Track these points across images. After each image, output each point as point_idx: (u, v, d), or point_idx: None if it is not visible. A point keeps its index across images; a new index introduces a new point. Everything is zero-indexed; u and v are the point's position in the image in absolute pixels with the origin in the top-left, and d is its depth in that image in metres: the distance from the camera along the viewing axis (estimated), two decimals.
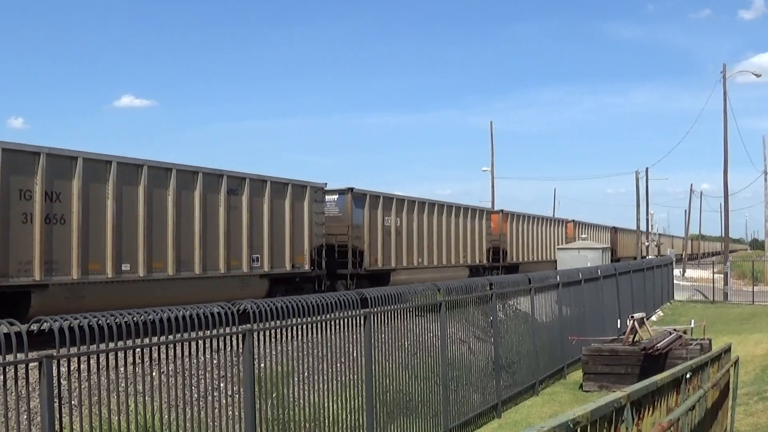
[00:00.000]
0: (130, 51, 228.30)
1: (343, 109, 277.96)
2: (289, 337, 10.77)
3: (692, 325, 23.64)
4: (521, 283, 20.37)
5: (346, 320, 12.01)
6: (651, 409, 6.52)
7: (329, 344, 11.62)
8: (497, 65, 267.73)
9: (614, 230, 77.13)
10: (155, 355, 8.73)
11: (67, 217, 18.35)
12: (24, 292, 17.52)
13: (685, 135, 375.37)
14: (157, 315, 8.70)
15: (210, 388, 9.55)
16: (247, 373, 9.67)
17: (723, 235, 65.19)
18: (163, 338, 8.70)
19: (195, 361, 9.19)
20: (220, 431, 9.54)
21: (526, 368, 19.52)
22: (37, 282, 17.57)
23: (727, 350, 12.81)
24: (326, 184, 29.24)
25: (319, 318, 11.31)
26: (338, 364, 11.80)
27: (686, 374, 8.33)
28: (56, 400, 7.35)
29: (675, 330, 22.35)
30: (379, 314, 12.83)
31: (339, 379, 11.83)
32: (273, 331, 10.38)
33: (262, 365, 10.20)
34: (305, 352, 11.09)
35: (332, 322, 11.67)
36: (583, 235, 60.44)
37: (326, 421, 11.41)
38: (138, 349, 8.49)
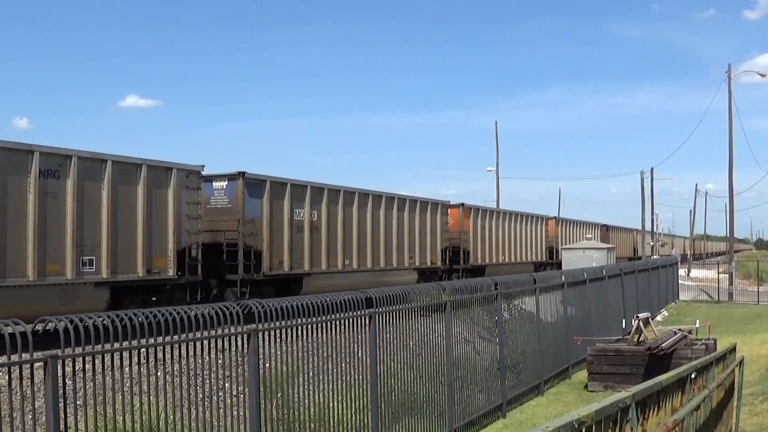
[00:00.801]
0: (134, 51, 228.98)
1: (347, 109, 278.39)
2: (295, 337, 10.77)
3: (697, 325, 23.63)
4: (526, 283, 20.35)
5: (351, 320, 12.01)
6: (656, 409, 6.52)
7: (334, 344, 11.62)
8: (502, 65, 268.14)
9: (605, 228, 72.77)
10: (160, 355, 8.73)
11: None
12: None
13: (690, 135, 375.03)
14: (162, 315, 8.70)
15: (215, 388, 9.56)
16: (252, 373, 9.67)
17: (728, 234, 65.07)
18: (168, 338, 8.70)
19: (200, 361, 9.19)
20: (225, 431, 9.54)
21: (531, 368, 19.50)
22: None
23: (732, 350, 12.79)
24: (203, 166, 23.22)
25: (324, 318, 11.31)
26: (343, 364, 11.80)
27: (691, 374, 8.33)
28: (61, 400, 7.36)
29: (680, 330, 22.33)
30: (384, 314, 12.83)
31: (344, 379, 11.83)
32: (278, 331, 10.38)
33: (267, 365, 10.20)
34: (310, 352, 11.10)
35: (337, 322, 11.67)
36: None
37: (331, 421, 11.41)
38: (143, 349, 8.49)
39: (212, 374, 9.59)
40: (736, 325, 32.99)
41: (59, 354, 7.39)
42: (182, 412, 8.88)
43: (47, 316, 7.81)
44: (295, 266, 26.89)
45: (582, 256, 45.76)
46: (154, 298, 21.07)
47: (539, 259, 53.21)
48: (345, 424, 11.67)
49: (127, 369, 8.26)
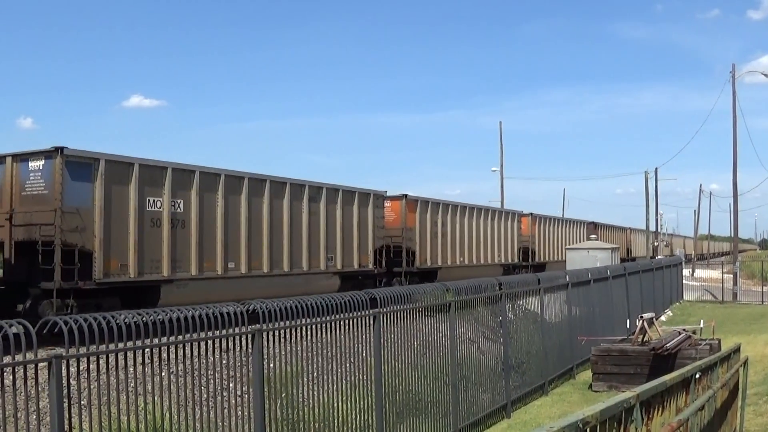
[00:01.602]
0: (139, 51, 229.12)
1: (351, 109, 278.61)
2: (299, 338, 10.78)
3: (701, 325, 23.59)
4: (531, 283, 20.35)
5: (355, 320, 12.02)
6: (660, 409, 6.51)
7: (339, 344, 11.63)
8: (506, 66, 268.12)
9: (593, 226, 66.87)
10: (165, 355, 8.74)
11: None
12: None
13: (694, 135, 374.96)
14: (166, 315, 8.71)
15: (219, 388, 9.57)
16: (256, 373, 9.67)
17: (732, 235, 65.02)
18: (172, 338, 8.71)
19: (204, 361, 9.20)
20: (230, 431, 9.55)
21: (535, 368, 19.49)
22: None
23: (737, 350, 12.78)
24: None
25: (328, 318, 11.31)
26: (347, 364, 11.81)
27: (695, 374, 8.32)
28: (65, 400, 7.36)
29: (684, 330, 22.30)
30: (388, 314, 12.84)
31: (348, 379, 11.83)
32: (282, 332, 10.39)
33: (272, 365, 10.20)
34: (315, 352, 11.10)
35: (342, 323, 11.68)
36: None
37: (335, 421, 11.41)
38: (147, 349, 8.50)
39: (216, 374, 9.60)
40: (740, 326, 32.93)
41: (63, 354, 7.40)
42: (186, 412, 8.89)
43: (48, 317, 7.81)
44: (147, 271, 21.11)
45: (586, 257, 45.70)
46: None
47: (510, 260, 47.03)
48: (349, 424, 11.67)
49: (131, 369, 8.27)
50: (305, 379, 10.88)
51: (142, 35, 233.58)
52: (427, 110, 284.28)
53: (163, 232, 21.50)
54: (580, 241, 57.90)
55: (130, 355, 8.21)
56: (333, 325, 11.46)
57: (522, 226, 49.93)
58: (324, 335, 11.28)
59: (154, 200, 21.30)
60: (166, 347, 8.71)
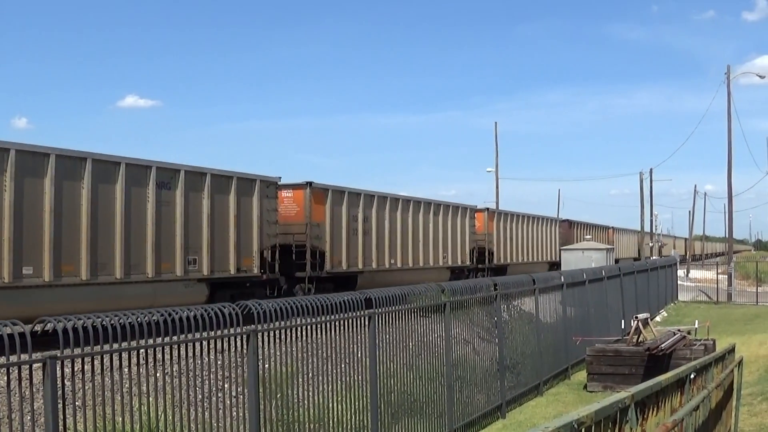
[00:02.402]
0: (134, 51, 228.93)
1: (347, 110, 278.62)
2: (294, 338, 10.78)
3: (696, 326, 23.62)
4: (526, 284, 20.36)
5: (350, 321, 12.02)
6: (655, 409, 6.52)
7: (334, 345, 11.63)
8: (502, 66, 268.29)
9: (568, 224, 61.51)
10: (160, 355, 8.73)
11: None
12: None
13: (689, 136, 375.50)
14: (161, 316, 8.70)
15: (214, 388, 9.56)
16: (251, 373, 9.67)
17: (727, 235, 65.12)
18: (167, 339, 8.71)
19: (199, 361, 9.19)
20: None
21: (530, 369, 19.51)
22: None
23: (731, 351, 12.80)
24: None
25: (323, 319, 11.31)
26: (342, 365, 11.81)
27: (690, 375, 8.33)
28: (60, 400, 7.35)
29: (679, 330, 22.34)
30: (383, 315, 12.84)
31: (343, 379, 11.83)
32: (277, 332, 10.39)
33: (267, 366, 10.20)
34: (310, 353, 11.10)
35: (337, 323, 11.67)
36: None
37: (330, 421, 11.41)
38: (142, 350, 8.50)
39: (211, 375, 9.59)
40: (735, 326, 32.99)
41: (58, 355, 7.39)
42: (182, 413, 8.88)
43: (46, 317, 7.81)
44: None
45: (581, 257, 45.79)
46: None
47: (460, 262, 39.37)
48: (344, 425, 11.67)
49: (126, 370, 8.26)
50: (300, 380, 10.88)
51: (138, 35, 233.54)
52: (423, 111, 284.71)
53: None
54: (552, 241, 54.87)
55: (125, 355, 8.20)
56: (328, 325, 11.46)
57: (476, 223, 42.64)
58: (319, 336, 11.28)
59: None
60: (161, 348, 8.71)
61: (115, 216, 19.59)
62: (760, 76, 67.37)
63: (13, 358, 7.13)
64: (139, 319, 8.39)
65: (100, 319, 7.92)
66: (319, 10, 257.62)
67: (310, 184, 28.12)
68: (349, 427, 11.78)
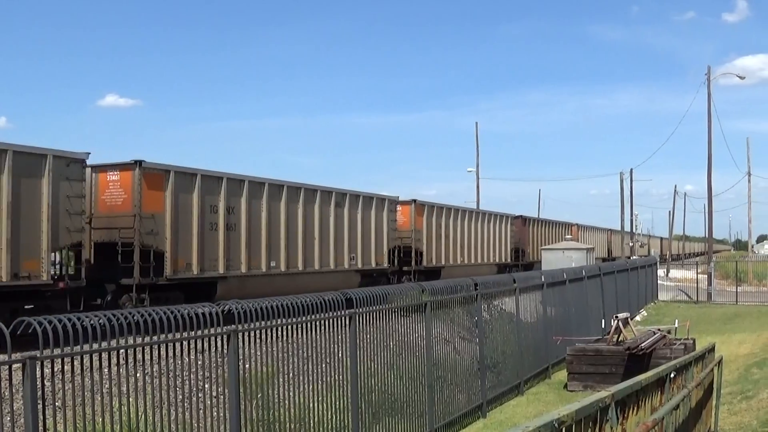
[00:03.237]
0: (114, 50, 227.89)
1: (328, 109, 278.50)
2: (275, 338, 10.76)
3: (676, 325, 23.72)
4: (506, 284, 20.39)
5: (331, 321, 12.01)
6: (635, 408, 6.54)
7: (314, 345, 11.62)
8: (483, 66, 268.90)
9: (522, 221, 54.26)
10: (140, 355, 8.70)
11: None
12: None
13: (669, 136, 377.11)
14: (141, 316, 8.67)
15: (195, 388, 9.53)
16: (232, 373, 9.65)
17: (707, 235, 65.42)
18: (147, 339, 8.68)
19: (180, 361, 9.16)
20: None
21: (511, 368, 19.54)
22: None
23: (711, 350, 12.87)
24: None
25: (304, 319, 11.30)
26: (323, 365, 11.80)
27: (670, 374, 8.37)
28: (40, 401, 7.32)
29: (659, 330, 22.43)
30: (364, 315, 12.83)
31: (324, 379, 11.82)
32: (258, 332, 10.37)
33: (247, 366, 10.18)
34: (290, 353, 11.09)
35: (317, 323, 11.67)
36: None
37: (311, 421, 11.40)
38: (122, 350, 8.46)
39: (192, 375, 9.56)
40: (714, 325, 33.15)
41: (38, 355, 7.35)
42: (162, 413, 8.85)
43: (26, 317, 7.77)
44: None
45: (561, 257, 45.83)
46: None
47: (374, 264, 32.98)
48: (325, 425, 11.66)
49: (106, 370, 8.23)
50: (281, 380, 10.87)
51: (118, 34, 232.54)
52: (405, 110, 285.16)
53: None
54: (504, 240, 49.28)
55: (105, 355, 8.17)
56: (309, 325, 11.45)
57: (401, 217, 37.24)
58: (300, 336, 11.27)
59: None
60: (141, 348, 8.68)
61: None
62: (740, 77, 68.09)
63: None
64: (119, 319, 8.36)
65: (80, 320, 7.88)
66: (302, 10, 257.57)
67: (140, 163, 22.14)
68: (329, 426, 11.77)
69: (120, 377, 8.48)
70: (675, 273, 75.68)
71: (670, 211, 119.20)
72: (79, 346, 7.84)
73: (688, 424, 8.83)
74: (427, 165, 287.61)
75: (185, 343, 9.18)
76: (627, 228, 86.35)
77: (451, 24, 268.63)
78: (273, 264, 26.46)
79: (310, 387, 11.46)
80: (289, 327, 11.02)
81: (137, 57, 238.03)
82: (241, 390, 9.82)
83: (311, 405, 11.45)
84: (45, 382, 7.42)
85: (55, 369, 7.68)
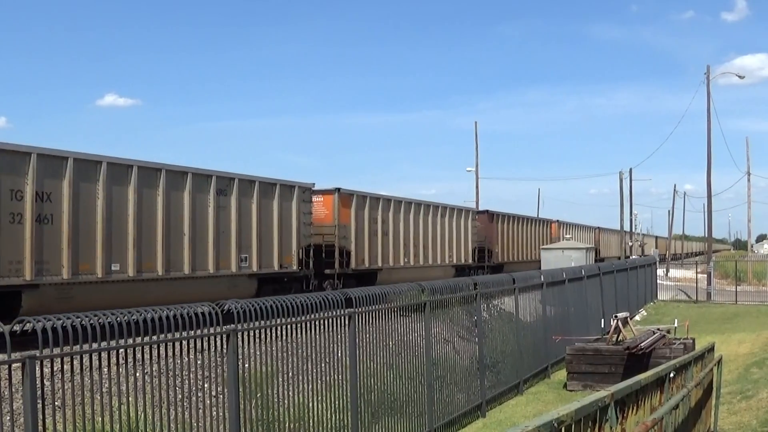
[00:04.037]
0: (113, 49, 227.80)
1: (326, 109, 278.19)
2: (274, 338, 10.76)
3: (675, 325, 23.71)
4: (506, 283, 20.39)
5: (330, 320, 12.01)
6: (635, 408, 6.54)
7: (314, 344, 11.61)
8: (482, 66, 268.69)
9: (488, 216, 48.06)
10: (139, 355, 8.70)
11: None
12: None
13: (668, 136, 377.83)
14: (141, 315, 8.67)
15: (194, 388, 9.53)
16: (231, 373, 9.64)
17: (706, 235, 65.44)
18: (147, 338, 8.67)
19: (179, 361, 9.16)
20: (205, 431, 9.52)
21: (510, 368, 19.54)
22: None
23: (711, 349, 12.88)
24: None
25: (303, 318, 11.30)
26: (323, 364, 11.79)
27: (670, 373, 8.37)
28: (40, 401, 7.31)
29: (658, 329, 22.43)
30: (363, 314, 12.83)
31: (324, 379, 11.82)
32: (258, 332, 10.37)
33: (247, 365, 10.18)
34: (290, 352, 11.08)
35: (317, 322, 11.66)
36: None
37: (311, 421, 11.40)
38: (122, 350, 8.46)
39: (191, 374, 9.56)
40: (714, 325, 33.15)
41: (37, 355, 7.35)
42: (161, 413, 8.85)
43: (25, 316, 7.76)
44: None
45: (561, 257, 45.83)
46: None
47: (280, 267, 26.56)
48: (324, 424, 11.66)
49: (106, 369, 8.23)
50: (280, 379, 10.86)
51: (117, 34, 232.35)
52: (403, 110, 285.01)
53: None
54: (464, 238, 42.40)
55: (104, 355, 8.17)
56: (308, 324, 11.45)
57: (324, 210, 31.05)
58: (299, 335, 11.27)
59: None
60: (140, 347, 8.67)
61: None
62: (739, 77, 68.10)
63: None
64: (118, 318, 8.35)
65: (79, 319, 7.88)
66: (300, 9, 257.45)
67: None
68: (329, 426, 11.77)
69: (120, 377, 8.48)
70: (674, 272, 75.72)
71: (669, 211, 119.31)
72: (78, 346, 7.84)
73: (687, 423, 8.83)
74: (427, 164, 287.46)
75: (185, 342, 9.18)
76: (627, 228, 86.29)
77: (449, 23, 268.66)
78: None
79: (310, 386, 11.46)
80: (289, 326, 11.02)
81: (136, 57, 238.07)
82: (240, 389, 9.81)
83: (311, 404, 11.45)
84: (45, 381, 7.42)
85: (55, 368, 7.68)
